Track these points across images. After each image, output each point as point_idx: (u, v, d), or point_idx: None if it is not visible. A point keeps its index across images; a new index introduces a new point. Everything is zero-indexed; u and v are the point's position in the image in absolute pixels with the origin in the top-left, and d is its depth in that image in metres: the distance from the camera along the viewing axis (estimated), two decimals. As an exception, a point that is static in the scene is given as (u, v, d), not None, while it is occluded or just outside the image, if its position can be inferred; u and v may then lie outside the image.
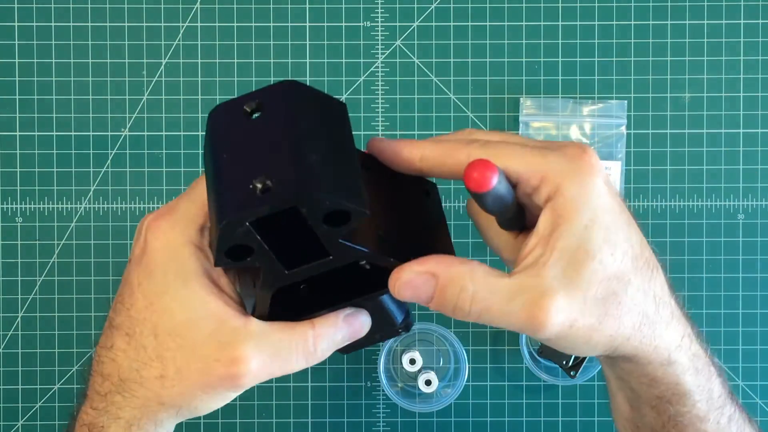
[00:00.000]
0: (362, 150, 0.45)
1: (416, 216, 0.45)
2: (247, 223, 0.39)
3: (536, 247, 0.41)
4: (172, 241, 0.44)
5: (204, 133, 0.44)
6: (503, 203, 0.41)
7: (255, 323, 0.44)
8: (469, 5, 0.77)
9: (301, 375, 0.76)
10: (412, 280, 0.41)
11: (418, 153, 0.43)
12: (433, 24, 0.77)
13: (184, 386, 0.44)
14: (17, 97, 0.77)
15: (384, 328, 0.49)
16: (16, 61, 0.77)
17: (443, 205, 0.48)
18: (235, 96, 0.43)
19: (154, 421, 0.45)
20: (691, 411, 0.46)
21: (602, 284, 0.41)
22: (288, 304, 0.44)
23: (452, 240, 0.46)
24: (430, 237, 0.45)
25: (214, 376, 0.43)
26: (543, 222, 0.41)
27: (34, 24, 0.77)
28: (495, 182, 0.38)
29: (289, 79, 0.44)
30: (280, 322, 0.44)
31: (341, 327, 0.45)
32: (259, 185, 0.38)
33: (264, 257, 0.41)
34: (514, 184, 0.42)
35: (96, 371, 0.46)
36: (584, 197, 0.41)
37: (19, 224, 0.76)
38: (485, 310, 0.41)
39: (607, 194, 0.41)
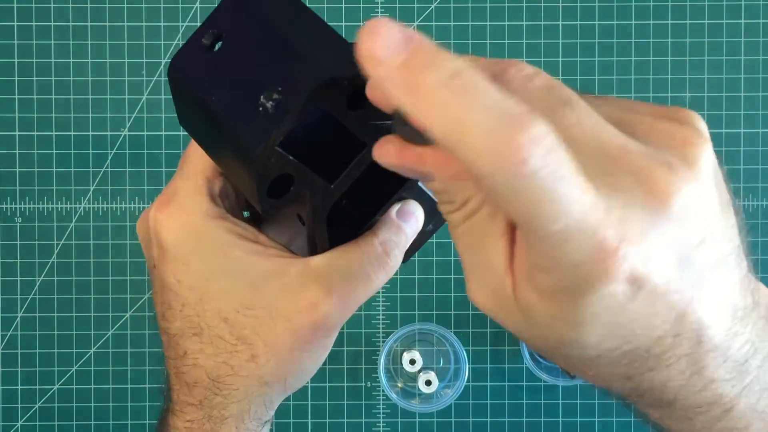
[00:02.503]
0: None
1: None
2: (278, 148, 0.35)
3: None
4: (190, 224, 0.41)
5: None
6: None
7: (315, 259, 0.40)
8: (469, 5, 0.77)
9: (301, 375, 0.76)
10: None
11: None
12: (433, 23, 0.77)
13: (280, 356, 0.41)
14: (17, 96, 0.77)
15: (430, 215, 0.44)
16: (16, 60, 0.76)
17: None
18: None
19: (264, 404, 0.42)
20: None
21: None
22: (340, 230, 0.40)
23: None
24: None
25: (304, 330, 0.40)
26: None
27: (34, 24, 0.77)
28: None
29: None
30: (341, 245, 0.40)
31: (399, 224, 0.42)
32: (268, 103, 0.35)
33: (306, 179, 0.37)
34: None
35: (178, 385, 0.43)
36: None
37: (18, 224, 0.76)
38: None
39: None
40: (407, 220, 0.42)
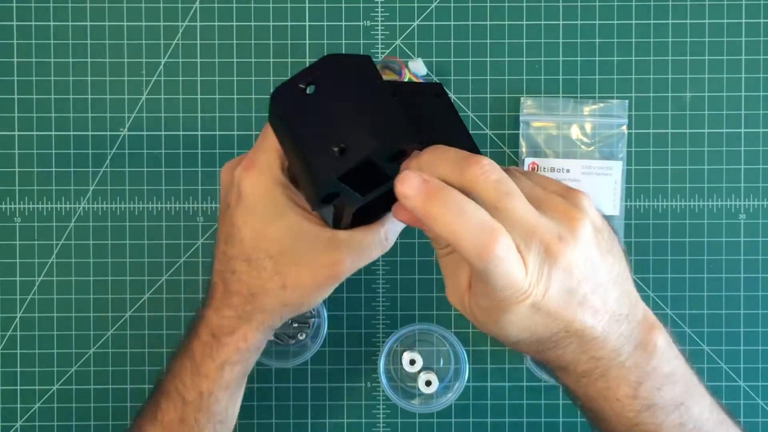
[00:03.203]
0: (383, 78, 0.55)
1: (438, 118, 0.58)
2: (336, 178, 0.51)
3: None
4: (265, 185, 0.57)
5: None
6: None
7: (342, 233, 0.57)
8: (470, 4, 0.77)
9: (301, 375, 0.76)
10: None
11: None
12: (434, 23, 0.77)
13: (302, 290, 0.58)
14: (16, 96, 0.76)
15: None
16: (15, 60, 0.76)
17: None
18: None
19: (280, 317, 0.60)
20: None
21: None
22: (358, 218, 0.58)
23: (468, 130, 0.57)
24: (451, 133, 0.57)
25: (323, 277, 0.57)
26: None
27: (33, 23, 0.76)
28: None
29: (327, 53, 0.57)
30: (359, 227, 0.58)
31: (396, 221, 0.58)
32: (336, 149, 0.51)
33: (346, 194, 0.54)
34: None
35: (222, 291, 0.59)
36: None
37: (17, 224, 0.76)
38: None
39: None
40: (401, 218, 0.57)
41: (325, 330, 0.75)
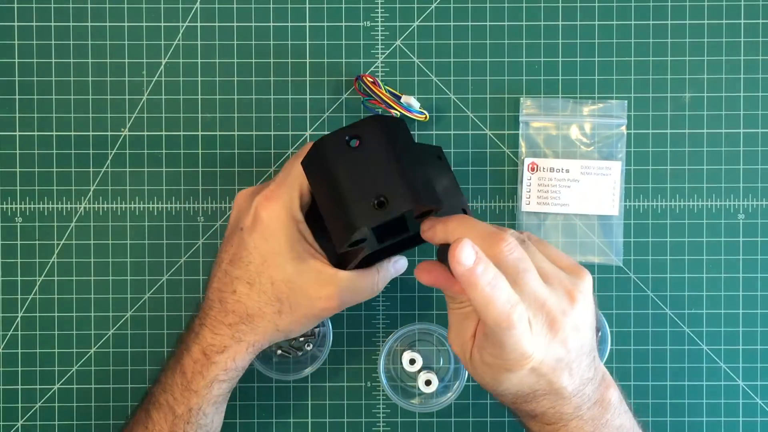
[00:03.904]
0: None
1: (441, 182, 0.66)
2: (371, 228, 0.59)
3: None
4: (282, 217, 0.62)
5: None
6: None
7: (343, 273, 0.63)
8: (469, 5, 0.77)
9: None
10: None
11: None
12: (433, 24, 0.77)
13: (295, 317, 0.64)
14: (17, 96, 0.77)
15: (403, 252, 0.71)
16: (16, 60, 0.77)
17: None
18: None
19: (269, 341, 0.65)
20: None
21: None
22: (363, 260, 0.64)
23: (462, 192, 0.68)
24: (451, 195, 0.66)
25: (317, 309, 0.63)
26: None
27: (34, 24, 0.77)
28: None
29: (372, 114, 0.69)
30: (357, 270, 0.64)
31: (392, 270, 0.68)
32: (375, 201, 0.57)
33: (369, 240, 0.61)
34: None
35: (219, 309, 0.64)
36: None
37: (18, 224, 0.76)
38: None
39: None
40: (397, 268, 0.69)
41: (330, 339, 0.75)
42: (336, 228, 0.59)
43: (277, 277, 0.63)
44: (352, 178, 0.58)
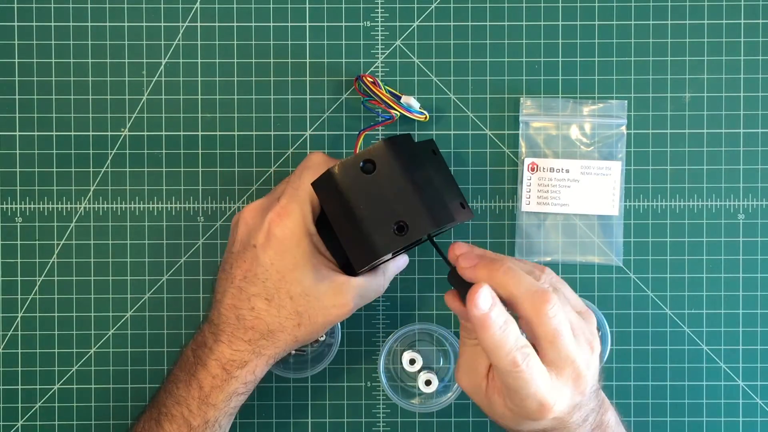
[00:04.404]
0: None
1: (439, 179, 0.65)
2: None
3: None
4: (296, 232, 0.64)
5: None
6: None
7: (353, 279, 0.65)
8: (469, 5, 0.77)
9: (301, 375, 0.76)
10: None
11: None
12: (433, 24, 0.77)
13: (313, 327, 0.65)
14: (17, 97, 0.77)
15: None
16: (16, 61, 0.77)
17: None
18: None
19: (288, 351, 0.67)
20: None
21: None
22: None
23: (459, 188, 0.69)
24: (448, 191, 0.66)
25: (332, 316, 0.65)
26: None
27: (34, 24, 0.77)
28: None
29: (387, 136, 0.70)
30: (366, 275, 0.67)
31: (395, 269, 0.70)
32: (396, 227, 0.60)
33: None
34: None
35: (236, 326, 0.65)
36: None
37: (18, 224, 0.76)
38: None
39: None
40: (399, 267, 0.71)
41: (338, 326, 0.75)
42: (355, 251, 0.61)
43: (295, 292, 0.64)
44: (369, 203, 0.60)
